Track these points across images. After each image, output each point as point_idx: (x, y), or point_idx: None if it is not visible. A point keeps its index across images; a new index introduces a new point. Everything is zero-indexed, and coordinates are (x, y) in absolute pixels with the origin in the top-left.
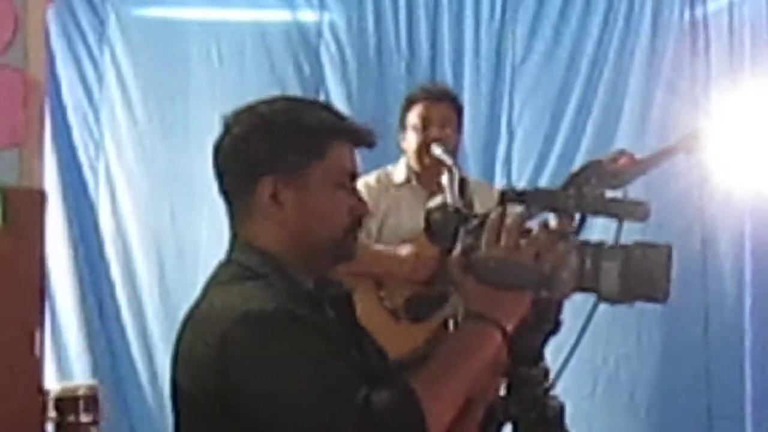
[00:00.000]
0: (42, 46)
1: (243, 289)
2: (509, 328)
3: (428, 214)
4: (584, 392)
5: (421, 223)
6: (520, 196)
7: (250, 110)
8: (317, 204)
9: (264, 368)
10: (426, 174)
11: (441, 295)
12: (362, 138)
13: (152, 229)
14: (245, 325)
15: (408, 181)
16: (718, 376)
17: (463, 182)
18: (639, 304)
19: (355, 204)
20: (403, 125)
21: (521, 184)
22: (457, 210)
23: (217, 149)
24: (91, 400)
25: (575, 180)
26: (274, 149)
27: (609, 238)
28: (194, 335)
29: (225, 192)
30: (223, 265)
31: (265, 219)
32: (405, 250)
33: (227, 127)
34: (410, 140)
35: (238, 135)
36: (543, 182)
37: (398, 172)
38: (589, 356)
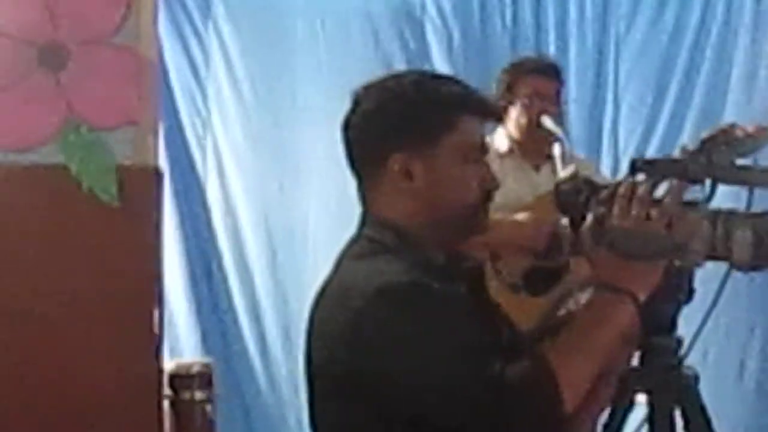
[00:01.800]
0: (152, 23)
1: (374, 263)
2: (642, 298)
3: (558, 185)
4: (694, 361)
5: (525, 195)
6: (650, 165)
7: (379, 85)
8: (448, 177)
9: (399, 343)
10: (530, 144)
11: (559, 269)
12: (491, 111)
13: (261, 205)
14: (379, 301)
15: (511, 151)
16: None
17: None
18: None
19: (486, 176)
20: (511, 95)
21: (628, 154)
22: (587, 180)
23: (347, 124)
24: (206, 378)
25: (705, 147)
26: (405, 123)
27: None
28: (327, 311)
29: (355, 167)
30: (354, 240)
31: (395, 193)
32: (523, 216)
33: (356, 102)
34: (519, 112)
35: (368, 110)
36: (650, 152)
37: (499, 142)
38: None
